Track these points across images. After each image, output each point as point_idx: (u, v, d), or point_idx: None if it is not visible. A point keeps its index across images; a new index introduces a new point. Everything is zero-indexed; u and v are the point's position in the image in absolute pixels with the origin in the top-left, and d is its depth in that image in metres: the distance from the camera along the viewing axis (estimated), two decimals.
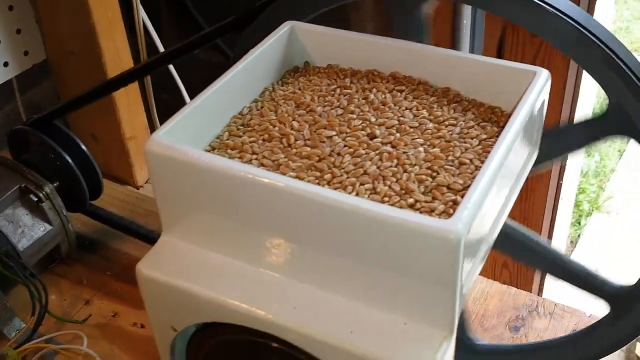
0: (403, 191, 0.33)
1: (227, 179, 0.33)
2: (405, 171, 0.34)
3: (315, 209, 0.31)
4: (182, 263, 0.36)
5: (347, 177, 0.34)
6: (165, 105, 0.89)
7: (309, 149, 0.36)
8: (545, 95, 0.38)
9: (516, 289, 0.76)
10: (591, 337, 0.50)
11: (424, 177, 0.34)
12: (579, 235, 1.42)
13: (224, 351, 0.38)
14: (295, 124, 0.38)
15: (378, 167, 0.35)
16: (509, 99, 0.38)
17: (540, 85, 0.36)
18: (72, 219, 0.73)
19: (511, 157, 0.34)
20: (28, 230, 0.69)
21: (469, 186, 0.32)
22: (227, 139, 0.38)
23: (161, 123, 0.93)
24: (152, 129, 0.89)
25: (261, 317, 0.33)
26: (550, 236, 0.94)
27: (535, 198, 0.85)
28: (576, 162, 1.04)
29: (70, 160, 0.72)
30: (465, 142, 0.36)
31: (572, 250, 1.46)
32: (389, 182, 0.34)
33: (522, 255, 0.48)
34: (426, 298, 0.31)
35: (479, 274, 0.50)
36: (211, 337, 0.38)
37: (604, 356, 0.51)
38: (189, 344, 0.39)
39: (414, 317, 0.32)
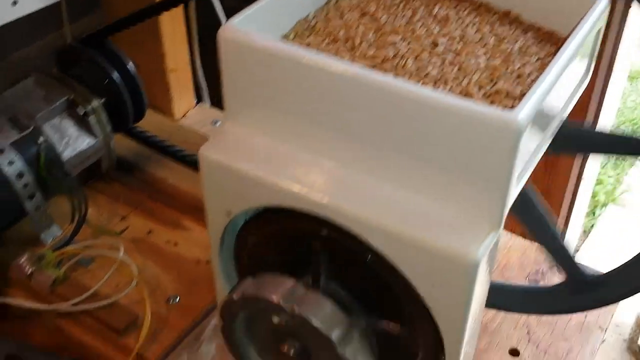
0: (463, 94, 0.35)
1: (298, 65, 0.34)
2: (466, 76, 0.36)
3: (378, 96, 0.33)
4: (244, 148, 0.37)
5: (410, 78, 0.36)
6: (207, 44, 0.91)
7: (373, 50, 0.37)
8: (602, 23, 0.39)
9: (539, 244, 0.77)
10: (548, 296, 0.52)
11: (484, 83, 0.35)
12: (592, 226, 1.43)
13: (271, 241, 0.40)
14: (359, 28, 0.39)
15: (440, 71, 0.36)
16: (567, 24, 0.39)
17: (598, 12, 0.37)
18: (114, 141, 0.76)
19: (566, 74, 0.36)
20: (73, 142, 0.71)
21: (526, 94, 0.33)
22: (293, 39, 0.39)
23: (202, 61, 0.94)
24: (193, 64, 0.91)
25: (315, 200, 0.35)
26: (566, 223, 0.95)
27: (555, 185, 0.87)
28: None
29: (118, 79, 0.74)
30: (524, 57, 0.37)
31: (584, 240, 1.47)
32: (450, 85, 0.35)
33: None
34: (479, 191, 0.33)
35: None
36: (261, 227, 0.39)
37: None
38: (238, 235, 0.41)
39: (465, 209, 0.33)
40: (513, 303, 0.55)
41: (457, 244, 0.32)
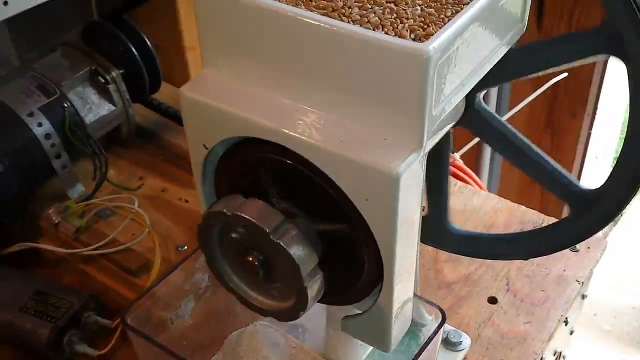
0: (397, 37, 0.41)
1: (260, 12, 0.40)
2: (401, 22, 0.42)
3: (320, 35, 0.39)
4: (218, 88, 0.44)
5: (353, 24, 0.42)
6: None
7: (325, 2, 0.43)
8: None
9: (526, 207, 0.82)
10: (552, 233, 0.56)
11: (416, 27, 0.41)
12: None
13: (244, 170, 0.46)
14: None
15: (379, 18, 0.42)
16: None
17: None
18: (133, 110, 0.84)
19: (488, 16, 0.41)
20: (95, 108, 0.80)
21: None
22: None
23: None
24: None
25: (271, 128, 0.41)
26: None
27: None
28: None
29: (136, 53, 0.82)
30: (456, 7, 0.43)
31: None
32: (386, 30, 0.41)
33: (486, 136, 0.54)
34: (400, 117, 0.38)
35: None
36: (235, 157, 0.46)
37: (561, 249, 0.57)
38: (217, 167, 0.48)
39: (390, 133, 0.39)
40: (518, 250, 0.59)
41: (382, 161, 0.38)
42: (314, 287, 0.44)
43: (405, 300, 0.46)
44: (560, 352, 0.80)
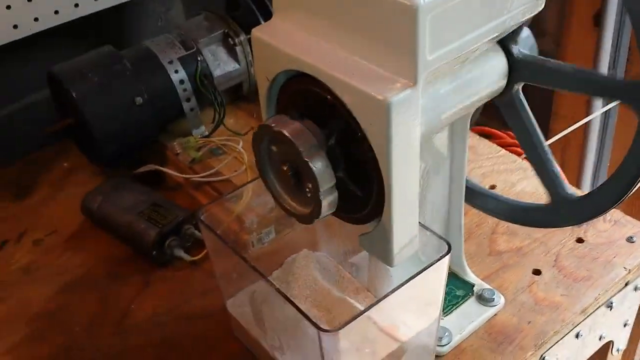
0: None
1: None
2: None
3: None
4: (277, 31, 0.56)
5: None
6: None
7: None
8: None
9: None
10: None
11: None
12: None
13: (295, 99, 0.57)
14: None
15: None
16: None
17: None
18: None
19: None
20: (223, 64, 0.95)
21: None
22: None
23: None
24: None
25: (310, 65, 0.52)
26: None
27: None
28: None
29: (262, 21, 0.96)
30: None
31: None
32: None
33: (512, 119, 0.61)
34: (400, 58, 0.47)
35: None
36: (288, 87, 0.57)
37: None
38: (278, 95, 0.60)
39: (394, 71, 0.48)
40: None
41: (380, 91, 0.48)
42: (327, 199, 0.54)
43: (406, 222, 0.55)
44: (612, 342, 0.82)
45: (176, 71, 0.91)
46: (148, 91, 0.88)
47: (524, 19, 0.54)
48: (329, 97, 0.52)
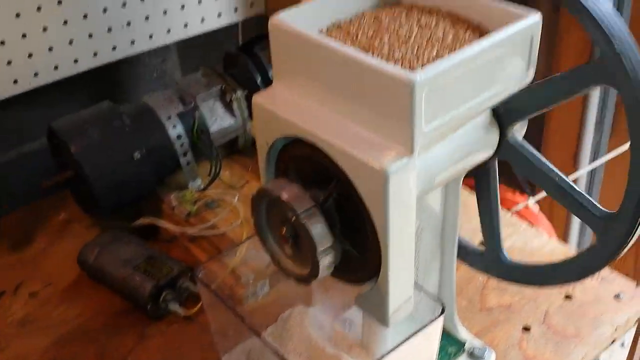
0: (411, 68, 0.52)
1: (310, 44, 0.54)
2: (418, 59, 0.53)
3: (346, 64, 0.52)
4: (277, 97, 0.58)
5: (380, 58, 0.54)
6: None
7: (365, 41, 0.56)
8: (532, 32, 0.54)
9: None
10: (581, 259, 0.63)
11: (427, 64, 0.52)
12: None
13: (292, 161, 0.59)
14: (366, 28, 0.58)
15: (402, 55, 0.54)
16: None
17: (523, 23, 0.53)
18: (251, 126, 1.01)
19: (484, 61, 0.51)
20: (219, 120, 0.97)
21: None
22: (323, 32, 0.60)
23: None
24: None
25: (307, 130, 0.54)
26: None
27: None
28: None
29: (258, 80, 0.99)
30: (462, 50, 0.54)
31: None
32: (404, 64, 0.53)
33: (523, 168, 0.62)
34: (396, 128, 0.50)
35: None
36: (287, 151, 0.59)
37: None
38: (276, 158, 0.62)
39: (389, 139, 0.50)
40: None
41: (379, 160, 0.50)
42: (325, 261, 0.55)
43: (402, 284, 0.56)
44: None
45: (174, 126, 0.93)
46: (146, 146, 0.90)
47: (515, 89, 0.56)
48: (327, 162, 0.54)
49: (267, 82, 0.99)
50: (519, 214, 0.96)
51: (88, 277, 0.90)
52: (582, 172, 1.15)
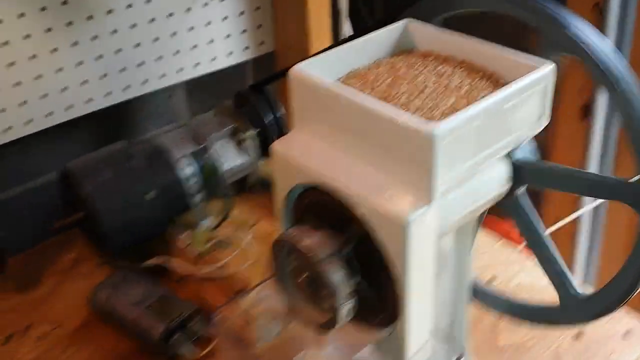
0: (429, 118, 0.53)
1: (331, 94, 0.55)
2: (436, 108, 0.54)
3: (365, 114, 0.52)
4: (297, 145, 0.59)
5: (400, 107, 0.55)
6: None
7: (383, 90, 0.57)
8: (545, 81, 0.55)
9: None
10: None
11: (447, 113, 0.53)
12: None
13: (311, 207, 0.60)
14: (383, 76, 0.59)
15: (421, 104, 0.55)
16: None
17: (537, 74, 0.54)
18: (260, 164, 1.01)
19: (498, 111, 0.52)
20: (231, 159, 0.98)
21: None
22: (341, 81, 0.60)
23: None
24: None
25: (326, 179, 0.55)
26: None
27: None
28: None
29: (268, 118, 1.00)
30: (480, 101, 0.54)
31: None
32: (423, 113, 0.54)
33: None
34: (415, 177, 0.50)
35: None
36: (305, 197, 0.60)
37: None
38: (294, 204, 0.62)
39: (408, 187, 0.51)
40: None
41: (398, 209, 0.50)
42: (344, 310, 0.55)
43: (420, 330, 0.56)
44: None
45: (186, 166, 0.94)
46: (159, 187, 0.90)
47: (529, 136, 0.57)
48: (345, 209, 0.55)
49: (277, 120, 1.00)
50: (526, 250, 0.96)
51: (98, 318, 0.89)
52: (586, 209, 1.15)
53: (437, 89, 0.57)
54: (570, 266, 1.28)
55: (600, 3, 1.03)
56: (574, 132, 1.21)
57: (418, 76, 0.59)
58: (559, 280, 0.65)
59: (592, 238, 1.23)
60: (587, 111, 1.21)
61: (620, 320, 0.82)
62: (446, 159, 0.50)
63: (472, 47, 0.61)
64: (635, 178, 0.56)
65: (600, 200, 1.12)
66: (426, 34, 0.64)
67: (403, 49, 0.65)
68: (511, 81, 0.57)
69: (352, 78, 0.61)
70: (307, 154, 0.58)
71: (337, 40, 1.09)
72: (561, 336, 0.80)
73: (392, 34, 0.64)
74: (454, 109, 0.54)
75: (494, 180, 0.61)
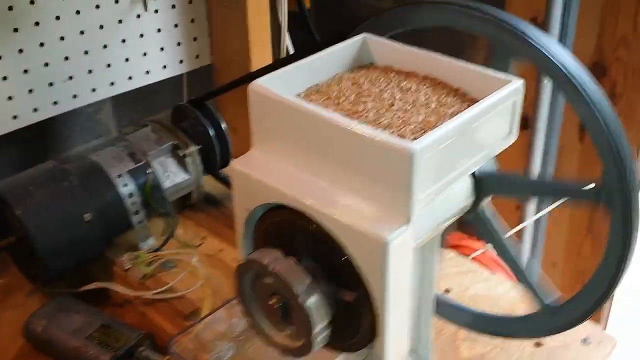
0: (400, 135, 0.52)
1: (294, 110, 0.53)
2: (406, 126, 0.53)
3: (338, 131, 0.51)
4: (259, 164, 0.56)
5: (368, 124, 0.53)
6: None
7: (349, 106, 0.56)
8: (514, 97, 0.55)
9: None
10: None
11: (417, 130, 0.53)
12: None
13: (276, 229, 0.58)
14: (347, 92, 0.58)
15: (389, 122, 0.54)
16: None
17: (507, 89, 0.54)
18: (204, 180, 0.98)
19: (470, 126, 0.52)
20: (172, 176, 0.94)
21: None
22: (303, 97, 0.59)
23: None
24: None
25: (294, 198, 0.53)
26: None
27: None
28: None
29: (211, 133, 0.97)
30: (454, 117, 0.54)
31: None
32: (392, 130, 0.53)
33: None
34: (393, 197, 0.49)
35: None
36: (268, 218, 0.58)
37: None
38: (255, 226, 0.60)
39: (385, 208, 0.50)
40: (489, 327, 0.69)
41: (376, 230, 0.49)
42: (320, 336, 0.54)
43: (398, 347, 0.55)
44: None
45: (125, 184, 0.89)
46: (96, 207, 0.86)
47: (499, 150, 0.57)
48: (315, 230, 0.53)
49: (221, 134, 0.97)
50: (477, 259, 0.98)
51: (33, 349, 0.83)
52: (528, 222, 1.19)
53: (404, 105, 0.56)
54: None
55: (538, 18, 1.06)
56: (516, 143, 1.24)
57: (383, 92, 0.58)
58: (528, 290, 0.66)
59: (534, 245, 1.28)
60: (525, 123, 1.24)
61: (578, 326, 0.84)
62: (424, 177, 0.49)
63: (433, 62, 0.60)
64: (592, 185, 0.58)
65: (546, 210, 1.16)
66: (385, 49, 0.63)
67: (361, 64, 0.64)
68: (478, 96, 0.57)
69: (314, 94, 0.59)
70: (270, 172, 0.56)
71: (279, 54, 1.07)
72: (522, 345, 0.81)
73: (350, 49, 0.63)
74: (425, 126, 0.53)
75: (461, 194, 0.62)
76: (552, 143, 1.17)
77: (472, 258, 0.96)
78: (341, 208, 0.51)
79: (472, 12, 0.60)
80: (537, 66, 0.58)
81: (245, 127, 1.14)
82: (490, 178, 0.62)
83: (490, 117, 0.54)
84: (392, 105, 0.56)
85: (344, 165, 0.52)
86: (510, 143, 0.58)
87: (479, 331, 0.74)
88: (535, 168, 1.18)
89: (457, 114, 0.55)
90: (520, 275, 0.66)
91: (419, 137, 0.52)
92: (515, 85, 0.55)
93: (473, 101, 0.57)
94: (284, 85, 0.57)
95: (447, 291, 0.90)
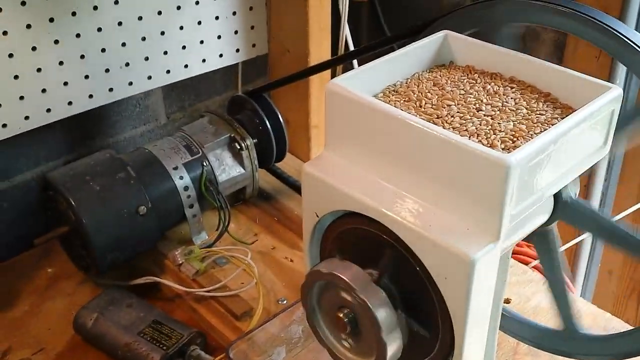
0: (488, 145, 0.48)
1: (376, 112, 0.50)
2: (494, 134, 0.49)
3: (425, 138, 0.47)
4: (333, 168, 0.53)
5: (453, 131, 0.50)
6: None
7: (432, 110, 0.52)
8: (614, 106, 0.50)
9: (610, 314, 0.84)
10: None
11: (507, 139, 0.49)
12: None
13: (347, 238, 0.54)
14: (428, 94, 0.54)
15: (476, 128, 0.50)
16: None
17: (609, 95, 0.50)
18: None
19: (569, 139, 0.48)
20: (227, 169, 0.91)
21: None
22: (381, 97, 0.55)
23: None
24: None
25: (373, 207, 0.49)
26: None
27: None
28: None
29: (269, 126, 0.94)
30: (545, 126, 0.50)
31: None
32: (480, 138, 0.49)
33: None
34: (482, 212, 0.45)
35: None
36: (339, 226, 0.54)
37: None
38: (324, 233, 0.57)
39: (474, 224, 0.46)
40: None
41: (462, 247, 0.45)
42: (392, 346, 0.50)
43: None
44: None
45: (181, 177, 0.87)
46: (152, 199, 0.83)
47: (592, 163, 0.53)
48: (388, 241, 0.50)
49: (278, 128, 0.94)
50: (537, 268, 0.93)
51: (83, 341, 0.82)
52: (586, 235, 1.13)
53: (492, 110, 0.52)
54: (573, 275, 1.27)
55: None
56: None
57: (467, 95, 0.54)
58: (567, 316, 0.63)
59: (592, 253, 1.22)
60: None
61: None
62: (517, 192, 0.45)
63: (520, 63, 0.56)
64: None
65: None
66: (468, 47, 0.59)
67: (438, 63, 0.60)
68: (570, 102, 0.53)
69: (393, 95, 0.55)
70: (346, 178, 0.52)
71: (337, 46, 1.03)
72: None
73: (431, 46, 0.59)
74: (515, 135, 0.49)
75: (541, 210, 0.57)
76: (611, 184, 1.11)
77: (533, 267, 0.91)
78: (422, 219, 0.48)
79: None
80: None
81: (297, 120, 1.11)
82: (571, 202, 0.57)
83: (588, 127, 0.50)
84: (479, 110, 0.52)
85: (429, 175, 0.48)
86: (603, 156, 0.54)
87: (547, 349, 0.69)
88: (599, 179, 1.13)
89: (549, 122, 0.51)
90: (561, 299, 0.62)
91: (509, 147, 0.48)
92: (615, 93, 0.51)
93: (565, 108, 0.53)
94: (361, 85, 0.54)
95: (507, 302, 0.85)
